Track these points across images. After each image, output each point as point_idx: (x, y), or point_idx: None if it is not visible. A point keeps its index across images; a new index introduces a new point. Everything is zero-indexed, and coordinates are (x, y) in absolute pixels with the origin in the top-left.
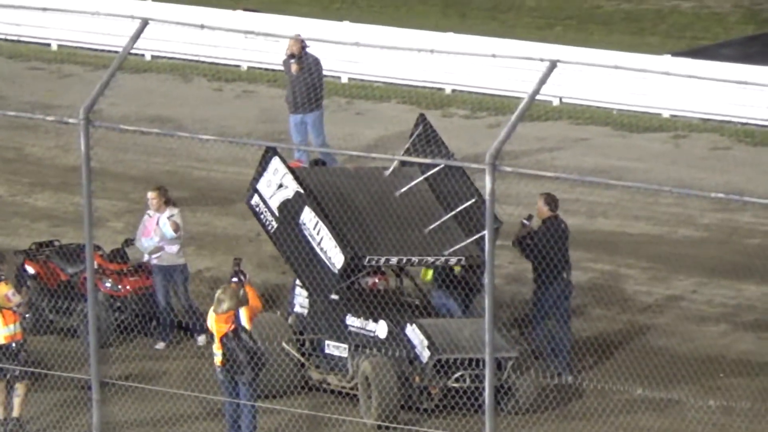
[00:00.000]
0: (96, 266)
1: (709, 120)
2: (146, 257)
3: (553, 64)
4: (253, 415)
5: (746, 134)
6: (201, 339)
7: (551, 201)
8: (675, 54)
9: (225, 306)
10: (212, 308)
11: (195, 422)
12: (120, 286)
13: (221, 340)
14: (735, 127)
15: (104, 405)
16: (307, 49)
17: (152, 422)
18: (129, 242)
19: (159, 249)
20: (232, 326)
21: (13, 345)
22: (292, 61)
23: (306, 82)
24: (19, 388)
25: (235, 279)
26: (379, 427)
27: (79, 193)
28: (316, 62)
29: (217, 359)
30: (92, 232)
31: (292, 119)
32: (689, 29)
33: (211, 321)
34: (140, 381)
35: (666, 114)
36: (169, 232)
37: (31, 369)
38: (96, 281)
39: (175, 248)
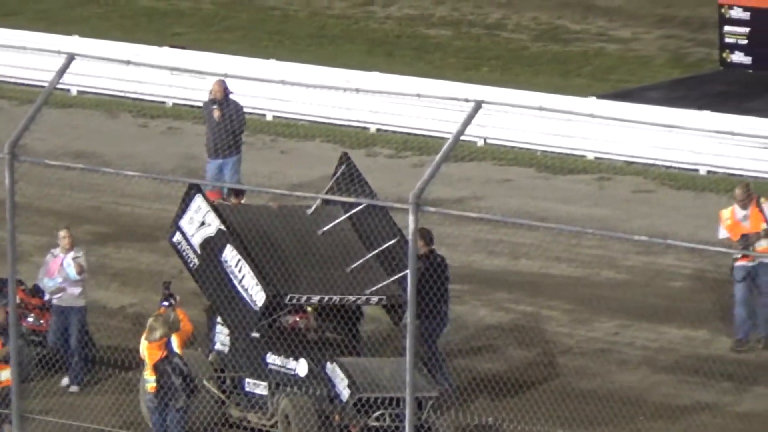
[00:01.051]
0: (18, 301)
1: (633, 163)
2: (47, 297)
3: (479, 105)
4: None
5: (670, 177)
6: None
7: (426, 235)
8: (600, 96)
9: (158, 334)
10: (144, 336)
11: None
12: (42, 321)
13: (154, 366)
14: (659, 170)
15: None
16: (231, 95)
17: None
18: None
19: (61, 289)
20: (164, 353)
21: None
22: (214, 107)
23: (227, 129)
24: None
25: (165, 303)
26: None
27: (2, 227)
28: (238, 109)
29: (149, 386)
30: (15, 266)
31: (211, 164)
32: (615, 72)
33: (143, 349)
34: (61, 416)
35: (590, 156)
36: (73, 273)
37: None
38: (18, 316)
39: (77, 290)
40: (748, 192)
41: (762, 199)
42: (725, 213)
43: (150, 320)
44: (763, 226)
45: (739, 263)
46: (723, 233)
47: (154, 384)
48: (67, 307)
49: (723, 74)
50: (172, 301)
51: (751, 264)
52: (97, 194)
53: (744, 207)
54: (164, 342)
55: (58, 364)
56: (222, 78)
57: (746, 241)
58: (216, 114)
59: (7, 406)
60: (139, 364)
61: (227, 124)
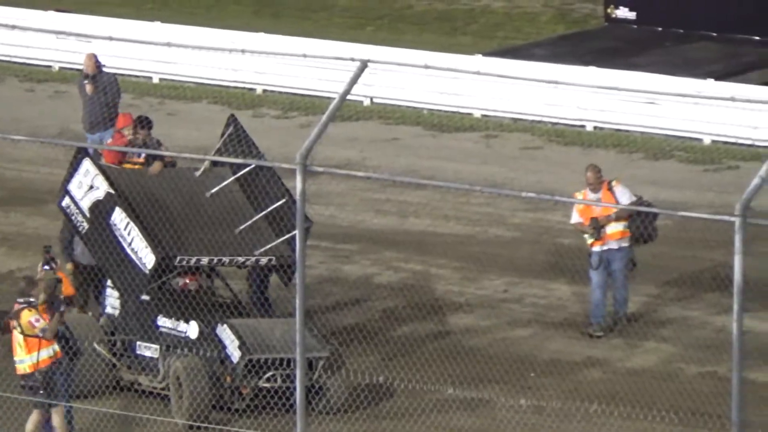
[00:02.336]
0: None
1: (520, 120)
2: None
3: (364, 64)
4: (68, 410)
5: (557, 134)
6: None
7: None
8: (486, 54)
9: (40, 299)
10: None
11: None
12: None
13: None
14: (546, 126)
15: None
16: (103, 68)
17: None
18: None
19: None
20: (46, 317)
21: (36, 374)
22: (86, 81)
23: (101, 102)
24: (54, 418)
25: (46, 267)
26: (191, 427)
27: None
28: (111, 81)
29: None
30: None
31: (90, 139)
32: (501, 29)
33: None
34: None
35: (477, 114)
36: None
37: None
38: None
39: None
40: (599, 175)
41: (614, 182)
42: (577, 195)
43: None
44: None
45: (594, 248)
46: (575, 217)
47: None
48: None
49: (608, 30)
50: (53, 265)
51: (603, 248)
52: None
53: (595, 190)
54: (46, 307)
55: None
56: (92, 53)
57: (596, 224)
58: (89, 88)
59: (52, 390)
60: None
61: (101, 98)
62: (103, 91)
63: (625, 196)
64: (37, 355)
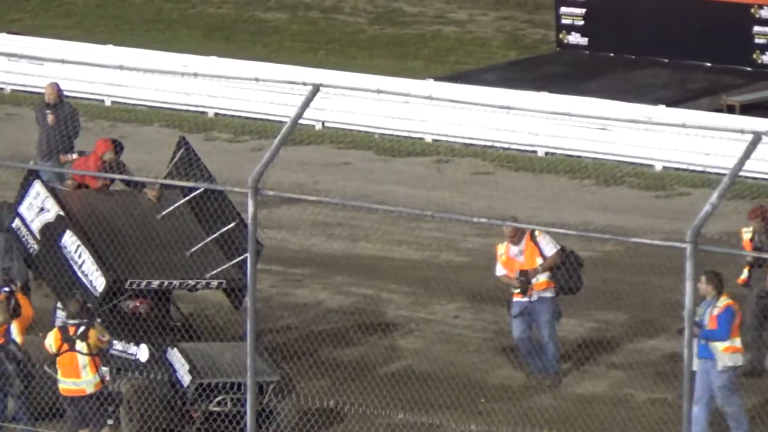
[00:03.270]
0: None
1: (471, 145)
2: None
3: (316, 89)
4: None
5: (508, 159)
6: None
7: None
8: (438, 79)
9: None
10: None
11: None
12: None
13: None
14: (497, 152)
15: None
16: (64, 99)
17: None
18: None
19: None
20: (2, 340)
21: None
22: (48, 111)
23: (61, 133)
24: None
25: (6, 288)
26: None
27: None
28: (73, 113)
29: None
30: None
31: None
32: (452, 54)
33: None
34: None
35: (429, 138)
36: None
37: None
38: None
39: None
40: (516, 228)
41: (537, 233)
42: (500, 249)
43: None
44: (539, 260)
45: (515, 299)
46: (500, 270)
47: None
48: None
49: (560, 55)
50: (13, 287)
51: (527, 300)
52: None
53: (516, 243)
54: (3, 329)
55: None
56: (55, 82)
57: (524, 277)
58: (50, 118)
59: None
60: None
61: (61, 128)
62: (64, 121)
63: (548, 247)
64: (99, 373)
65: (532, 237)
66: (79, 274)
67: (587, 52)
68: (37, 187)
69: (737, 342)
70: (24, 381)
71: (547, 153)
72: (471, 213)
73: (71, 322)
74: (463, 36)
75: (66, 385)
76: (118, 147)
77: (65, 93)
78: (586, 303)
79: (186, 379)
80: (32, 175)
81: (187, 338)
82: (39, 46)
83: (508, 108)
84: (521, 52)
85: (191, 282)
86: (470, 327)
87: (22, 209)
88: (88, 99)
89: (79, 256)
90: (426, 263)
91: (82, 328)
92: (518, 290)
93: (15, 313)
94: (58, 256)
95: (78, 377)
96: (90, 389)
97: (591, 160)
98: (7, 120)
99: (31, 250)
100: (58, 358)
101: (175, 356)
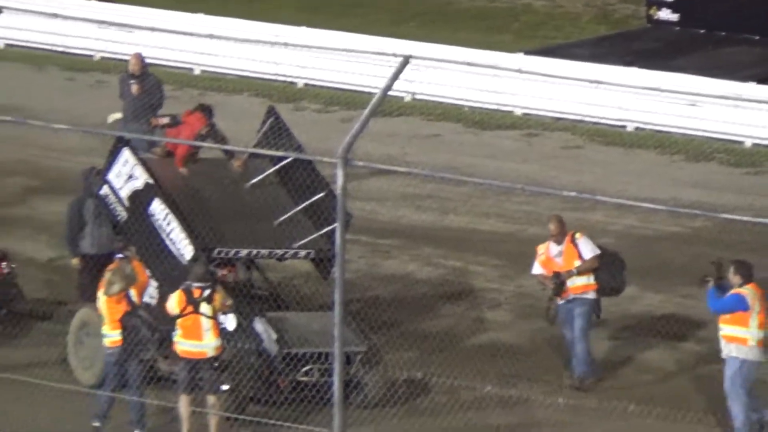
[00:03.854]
0: None
1: (561, 119)
2: None
3: (406, 60)
4: (140, 395)
5: (598, 134)
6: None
7: None
8: (528, 52)
9: (116, 288)
10: (101, 291)
11: (43, 410)
12: None
13: (120, 320)
14: (587, 126)
15: None
16: (148, 69)
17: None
18: None
19: None
20: (126, 307)
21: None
22: (132, 81)
23: (144, 104)
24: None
25: (120, 255)
26: (227, 419)
27: None
28: (157, 84)
29: (110, 340)
30: None
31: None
32: (542, 28)
33: (102, 303)
34: None
35: (518, 112)
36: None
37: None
38: None
39: None
40: (562, 227)
41: (577, 235)
42: (540, 248)
43: (107, 274)
44: (576, 263)
45: (560, 302)
46: (537, 268)
47: (118, 338)
48: None
49: (649, 31)
50: (128, 253)
51: (564, 301)
52: (24, 147)
53: (558, 242)
54: (123, 296)
55: None
56: (139, 52)
57: (558, 279)
58: (134, 88)
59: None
60: (68, 316)
61: (144, 99)
62: (148, 92)
63: (587, 249)
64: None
65: (573, 239)
66: (167, 242)
67: (678, 28)
68: (126, 154)
69: (738, 331)
70: (157, 347)
71: (636, 128)
72: (560, 187)
73: (196, 284)
74: (553, 10)
75: (185, 347)
76: (207, 112)
77: (154, 60)
78: (674, 279)
79: (273, 348)
80: (121, 143)
81: (274, 308)
82: (129, 13)
83: (598, 82)
84: (611, 27)
85: (279, 251)
86: None
87: (111, 176)
88: (178, 67)
89: (168, 224)
90: (514, 236)
91: (207, 291)
92: (552, 292)
93: (131, 278)
94: (146, 224)
95: (200, 339)
96: (211, 352)
97: (680, 136)
98: (96, 87)
99: (119, 218)
100: (179, 320)
101: (262, 326)
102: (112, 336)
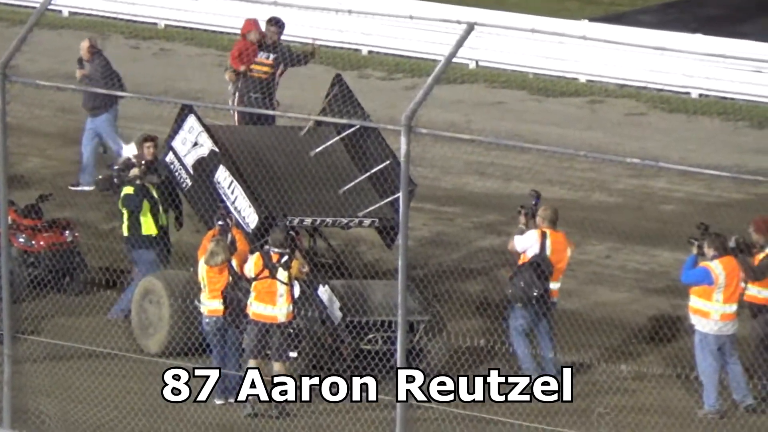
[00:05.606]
0: (10, 221)
1: (625, 86)
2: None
3: (471, 27)
4: (240, 365)
5: (662, 101)
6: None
7: None
8: (592, 19)
9: (219, 258)
10: (203, 259)
11: (107, 378)
12: (33, 242)
13: (222, 292)
14: (651, 93)
15: (16, 360)
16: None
17: (65, 377)
18: (43, 198)
19: None
20: (229, 277)
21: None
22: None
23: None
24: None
25: (221, 222)
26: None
27: None
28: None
29: (209, 309)
30: (6, 187)
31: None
32: None
33: (203, 272)
34: (53, 336)
35: (582, 79)
36: None
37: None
38: (10, 236)
39: None
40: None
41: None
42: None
43: (211, 244)
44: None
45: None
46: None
47: (217, 307)
48: None
49: None
50: (228, 221)
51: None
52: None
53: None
54: (225, 266)
55: (50, 284)
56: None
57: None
58: (79, 73)
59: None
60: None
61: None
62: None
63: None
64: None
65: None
66: (232, 209)
67: None
68: (191, 121)
69: (702, 304)
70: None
71: (700, 95)
72: (624, 154)
73: (275, 250)
74: None
75: (258, 309)
76: (274, 21)
77: (213, 25)
78: None
79: (337, 316)
80: (186, 110)
81: (338, 275)
82: None
83: (663, 49)
84: None
85: (344, 220)
86: (622, 267)
87: (176, 143)
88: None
89: (232, 192)
90: (578, 203)
91: (285, 257)
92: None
93: (233, 247)
94: (211, 191)
95: (273, 304)
96: (282, 318)
97: (745, 103)
98: (160, 55)
99: (183, 185)
100: (255, 282)
101: (326, 294)
102: (210, 305)
